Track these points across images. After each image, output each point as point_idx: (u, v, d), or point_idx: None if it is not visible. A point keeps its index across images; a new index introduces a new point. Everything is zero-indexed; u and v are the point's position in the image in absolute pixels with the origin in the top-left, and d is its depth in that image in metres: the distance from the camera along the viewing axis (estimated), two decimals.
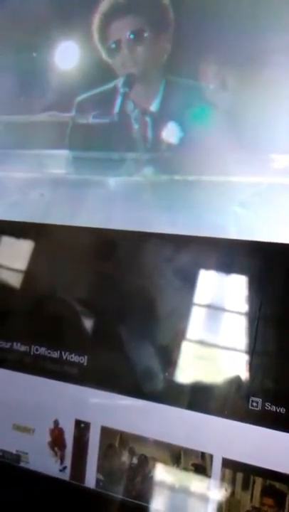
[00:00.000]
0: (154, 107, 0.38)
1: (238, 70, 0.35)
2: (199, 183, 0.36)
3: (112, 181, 0.38)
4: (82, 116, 0.39)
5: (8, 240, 0.47)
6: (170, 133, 0.37)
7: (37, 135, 0.40)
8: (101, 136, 0.39)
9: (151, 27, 0.38)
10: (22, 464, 0.45)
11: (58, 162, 0.39)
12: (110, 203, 0.38)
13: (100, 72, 0.40)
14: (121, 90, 0.38)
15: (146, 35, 0.38)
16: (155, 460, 0.41)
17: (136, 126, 0.38)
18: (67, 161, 0.39)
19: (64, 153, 0.39)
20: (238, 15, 0.35)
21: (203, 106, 0.37)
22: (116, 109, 0.38)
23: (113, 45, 0.39)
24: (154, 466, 0.41)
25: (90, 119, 0.38)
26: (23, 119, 0.40)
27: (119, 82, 0.38)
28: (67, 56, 0.40)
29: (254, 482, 0.38)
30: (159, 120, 0.38)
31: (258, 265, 0.39)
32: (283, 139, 0.34)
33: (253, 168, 0.35)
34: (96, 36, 0.39)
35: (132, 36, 0.38)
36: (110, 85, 0.39)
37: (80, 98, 0.39)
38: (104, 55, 0.39)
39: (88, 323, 0.44)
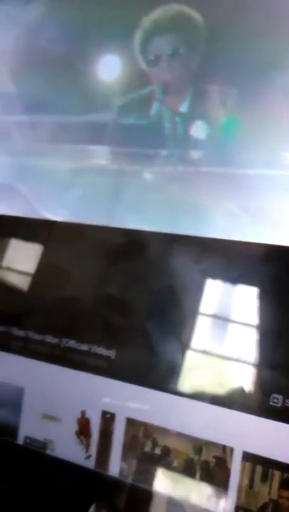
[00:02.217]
0: (183, 109, 0.42)
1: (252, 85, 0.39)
2: (226, 174, 0.40)
3: (147, 172, 0.43)
4: (123, 117, 0.43)
5: (42, 237, 0.50)
6: (197, 130, 0.41)
7: (82, 132, 0.44)
8: (138, 135, 0.43)
9: (187, 44, 0.43)
10: (48, 452, 0.48)
11: (99, 155, 0.44)
12: (144, 189, 0.43)
13: (137, 80, 0.44)
14: (157, 97, 0.42)
15: (181, 51, 0.42)
16: (177, 451, 0.43)
17: (168, 125, 0.42)
18: (107, 155, 0.43)
19: (105, 148, 0.44)
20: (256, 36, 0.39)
21: (229, 116, 0.41)
22: (152, 111, 0.42)
23: (152, 58, 0.43)
24: (176, 457, 0.43)
25: (130, 120, 0.43)
26: (72, 119, 0.45)
27: (157, 89, 0.42)
28: (109, 65, 0.44)
29: (272, 475, 0.40)
30: (188, 119, 0.42)
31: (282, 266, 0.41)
32: None
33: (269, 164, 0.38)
34: (137, 48, 0.42)
35: (169, 53, 0.42)
36: (147, 91, 0.44)
37: (120, 102, 0.43)
38: (143, 65, 0.43)
39: (117, 319, 0.46)
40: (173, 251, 0.45)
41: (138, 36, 0.43)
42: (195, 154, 0.42)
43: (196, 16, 0.42)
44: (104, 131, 0.45)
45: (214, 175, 0.41)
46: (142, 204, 0.43)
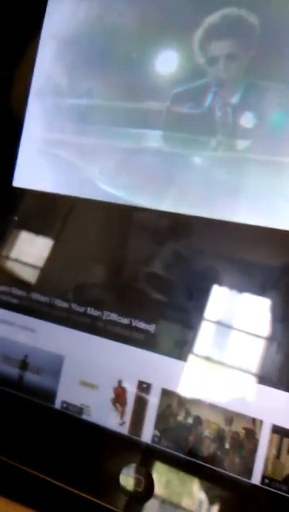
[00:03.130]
0: (234, 100, 0.46)
1: None
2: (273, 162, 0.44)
3: (197, 156, 0.47)
4: (177, 105, 0.47)
5: (92, 216, 0.53)
6: (246, 120, 0.45)
7: (138, 117, 0.49)
8: (190, 122, 0.47)
9: (243, 47, 0.46)
10: (84, 417, 0.51)
11: (152, 139, 0.48)
12: (195, 172, 0.47)
13: (194, 72, 0.47)
14: (212, 89, 0.46)
15: (237, 54, 0.46)
16: (209, 422, 0.46)
17: (219, 114, 0.45)
18: (160, 139, 0.48)
19: (158, 132, 0.48)
20: None
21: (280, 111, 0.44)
22: (206, 103, 0.46)
23: (210, 57, 0.47)
24: (207, 427, 0.46)
25: (185, 109, 0.47)
26: (129, 105, 0.49)
27: (211, 82, 0.45)
28: (167, 57, 0.48)
29: None
30: (238, 110, 0.46)
31: None
32: None
33: None
34: (196, 45, 0.46)
35: (226, 55, 0.47)
36: (202, 82, 0.47)
37: (175, 91, 0.47)
38: (201, 60, 0.46)
39: (159, 296, 0.49)
40: (215, 235, 0.48)
41: (198, 35, 0.46)
42: (242, 143, 0.45)
43: (253, 18, 0.45)
44: (159, 118, 0.48)
45: (261, 162, 0.44)
46: (192, 186, 0.47)
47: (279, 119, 0.44)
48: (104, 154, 0.50)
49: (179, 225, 0.49)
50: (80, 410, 0.51)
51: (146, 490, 0.47)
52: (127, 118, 0.49)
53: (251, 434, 0.45)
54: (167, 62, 0.49)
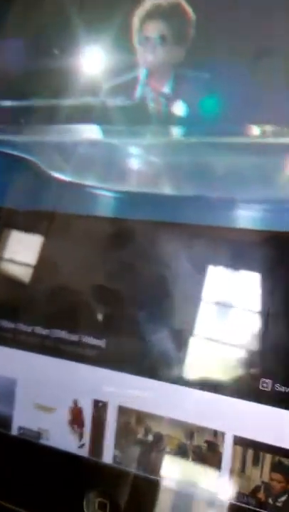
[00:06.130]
0: (165, 90, 0.45)
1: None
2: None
3: (132, 145, 0.46)
4: (110, 99, 0.46)
5: (29, 227, 0.50)
6: (178, 108, 0.44)
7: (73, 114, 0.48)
8: (124, 115, 0.46)
9: (175, 36, 0.45)
10: (42, 441, 0.48)
11: (89, 132, 0.48)
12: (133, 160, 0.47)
13: (123, 64, 0.47)
14: (141, 80, 0.44)
15: (168, 40, 0.44)
16: (170, 437, 0.44)
17: (151, 105, 0.45)
18: (99, 132, 0.47)
19: (96, 126, 0.47)
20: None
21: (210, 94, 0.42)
22: (137, 95, 0.45)
23: (143, 38, 0.46)
24: (168, 443, 0.44)
25: (118, 103, 0.46)
26: (65, 102, 0.48)
27: (141, 73, 0.44)
28: (96, 52, 0.47)
29: (264, 459, 0.41)
30: (170, 99, 0.45)
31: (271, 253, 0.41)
32: None
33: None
34: (135, 26, 0.46)
35: (158, 38, 0.45)
36: (132, 74, 0.46)
37: (107, 85, 0.47)
38: (135, 42, 0.46)
39: (107, 309, 0.46)
40: (163, 239, 0.45)
41: (137, 15, 0.45)
42: (177, 130, 0.44)
43: (190, 11, 0.44)
44: (95, 112, 0.47)
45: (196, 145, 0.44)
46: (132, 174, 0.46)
47: (208, 103, 0.42)
48: (45, 149, 0.48)
49: (122, 232, 0.46)
50: (38, 435, 0.48)
51: None
52: (65, 115, 0.47)
53: (214, 447, 0.42)
54: (98, 57, 0.47)
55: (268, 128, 0.41)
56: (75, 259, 0.47)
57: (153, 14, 0.45)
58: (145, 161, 0.46)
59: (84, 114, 0.46)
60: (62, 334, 0.47)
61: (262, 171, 0.43)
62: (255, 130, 0.41)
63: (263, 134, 0.41)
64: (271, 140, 0.41)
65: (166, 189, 0.45)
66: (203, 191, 0.44)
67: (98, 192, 0.47)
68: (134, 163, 0.46)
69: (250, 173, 0.43)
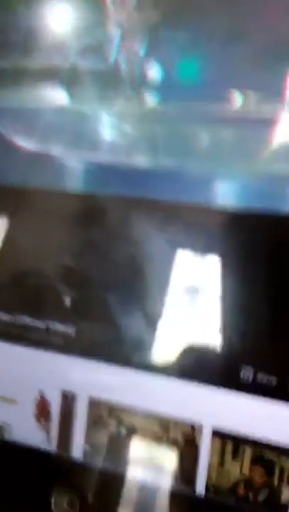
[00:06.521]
0: (140, 52, 0.41)
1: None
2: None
3: (103, 112, 0.42)
4: (81, 61, 0.41)
5: None
6: (154, 72, 0.40)
7: (38, 76, 0.43)
8: (96, 78, 0.42)
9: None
10: (5, 436, 0.44)
11: (57, 97, 0.43)
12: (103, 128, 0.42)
13: (96, 24, 0.42)
14: (117, 42, 0.39)
15: (145, 3, 0.40)
16: (144, 431, 0.41)
17: (125, 69, 0.40)
18: (66, 97, 0.42)
19: (62, 90, 0.42)
20: None
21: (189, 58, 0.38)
22: (111, 57, 0.41)
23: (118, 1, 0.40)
24: (143, 437, 0.41)
25: (88, 64, 0.41)
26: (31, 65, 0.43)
27: (114, 35, 0.39)
28: (67, 9, 0.41)
29: (244, 452, 0.38)
30: (144, 62, 0.40)
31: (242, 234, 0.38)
32: None
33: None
34: None
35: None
36: (106, 35, 0.40)
37: (78, 46, 0.41)
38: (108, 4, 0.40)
39: (76, 293, 0.43)
40: (134, 217, 0.41)
41: None
42: (153, 96, 0.39)
43: None
44: (63, 75, 0.42)
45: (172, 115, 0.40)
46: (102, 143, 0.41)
47: (186, 67, 0.38)
48: (6, 115, 0.43)
49: (90, 209, 0.42)
50: (0, 429, 0.45)
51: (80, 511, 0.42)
52: (29, 78, 0.42)
53: (191, 440, 0.39)
54: (66, 14, 0.41)
55: (251, 95, 0.37)
56: (38, 237, 0.43)
57: None
58: (117, 130, 0.41)
59: (50, 78, 0.41)
60: (27, 321, 0.43)
61: (244, 143, 0.39)
62: (237, 97, 0.38)
63: (246, 101, 0.38)
64: (254, 108, 0.37)
65: (139, 162, 0.41)
66: (179, 165, 0.40)
67: (65, 163, 0.42)
68: (105, 133, 0.42)
69: (232, 146, 0.40)
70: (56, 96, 0.41)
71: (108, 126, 0.41)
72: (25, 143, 0.42)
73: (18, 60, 0.42)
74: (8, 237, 0.44)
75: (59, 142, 0.42)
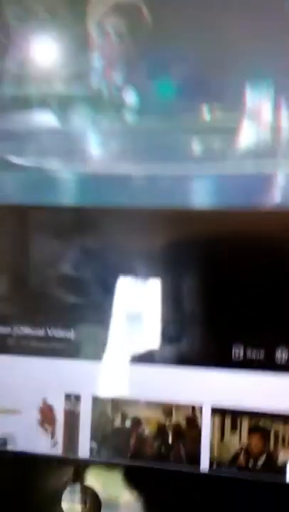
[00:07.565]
0: (118, 81, 0.47)
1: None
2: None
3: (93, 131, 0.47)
4: (64, 88, 0.47)
5: None
6: (131, 97, 0.46)
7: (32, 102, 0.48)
8: (80, 103, 0.48)
9: (130, 34, 0.47)
10: (9, 448, 0.45)
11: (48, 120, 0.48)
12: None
13: (80, 53, 0.48)
14: (98, 71, 0.46)
15: (124, 37, 0.47)
16: (148, 419, 0.44)
17: (106, 95, 0.47)
18: (55, 120, 0.48)
19: (52, 115, 0.48)
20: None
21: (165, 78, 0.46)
22: (93, 84, 0.47)
23: (102, 31, 0.47)
24: (147, 425, 0.44)
25: (71, 91, 0.47)
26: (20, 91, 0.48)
27: (97, 65, 0.45)
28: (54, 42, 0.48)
29: (241, 424, 0.43)
30: (123, 89, 0.47)
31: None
32: None
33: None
34: (95, 19, 0.47)
35: (114, 33, 0.47)
36: (88, 64, 0.47)
37: (62, 74, 0.48)
38: (93, 32, 0.47)
39: (73, 298, 0.46)
40: (121, 224, 0.46)
41: (100, 10, 0.46)
42: (131, 117, 0.46)
43: (146, 14, 0.46)
44: (51, 101, 0.47)
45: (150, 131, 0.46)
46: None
47: (161, 87, 0.45)
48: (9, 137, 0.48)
49: (82, 219, 0.46)
50: (4, 441, 0.45)
51: (92, 508, 0.44)
52: (21, 104, 0.47)
53: (193, 421, 0.43)
54: (57, 50, 0.47)
55: (217, 106, 0.44)
56: (35, 249, 0.46)
57: (115, 10, 0.46)
58: (102, 145, 0.47)
59: (42, 103, 0.46)
60: (26, 330, 0.46)
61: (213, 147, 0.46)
62: (206, 109, 0.45)
63: (212, 113, 0.45)
64: (220, 118, 0.44)
65: (124, 170, 0.47)
66: (159, 171, 0.46)
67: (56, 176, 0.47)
68: (92, 148, 0.47)
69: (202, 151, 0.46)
70: (47, 119, 0.46)
71: (95, 142, 0.46)
72: (20, 161, 0.46)
73: (12, 88, 0.47)
74: (5, 250, 0.47)
75: (51, 158, 0.46)
